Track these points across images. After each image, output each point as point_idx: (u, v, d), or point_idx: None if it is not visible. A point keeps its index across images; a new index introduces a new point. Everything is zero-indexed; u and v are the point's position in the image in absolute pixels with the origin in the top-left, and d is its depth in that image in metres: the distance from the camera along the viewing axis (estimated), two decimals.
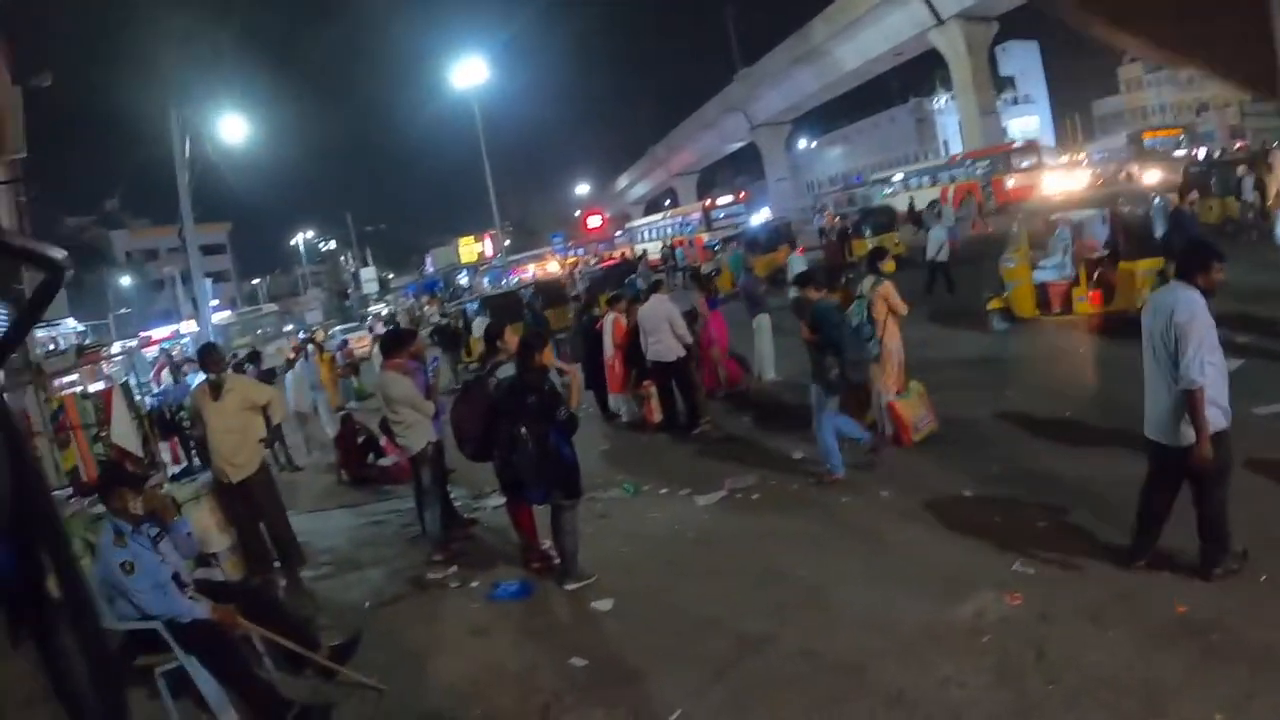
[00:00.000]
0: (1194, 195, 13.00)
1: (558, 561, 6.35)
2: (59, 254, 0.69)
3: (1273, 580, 4.65)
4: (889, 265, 8.87)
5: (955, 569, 5.37)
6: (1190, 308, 4.52)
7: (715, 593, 5.68)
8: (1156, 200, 12.01)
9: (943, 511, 6.38)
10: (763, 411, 10.41)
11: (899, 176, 44.29)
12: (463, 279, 59.43)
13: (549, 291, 26.29)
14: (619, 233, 60.45)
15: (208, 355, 7.32)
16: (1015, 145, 40.65)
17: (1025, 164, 37.49)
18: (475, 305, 24.56)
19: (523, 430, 5.90)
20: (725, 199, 46.62)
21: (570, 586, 6.09)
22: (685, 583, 5.97)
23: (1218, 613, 4.37)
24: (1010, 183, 35.68)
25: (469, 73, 42.84)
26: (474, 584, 6.52)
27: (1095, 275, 11.64)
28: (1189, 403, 4.48)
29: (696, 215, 44.70)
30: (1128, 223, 11.66)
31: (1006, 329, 12.40)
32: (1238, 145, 37.46)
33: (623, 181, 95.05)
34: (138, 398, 9.96)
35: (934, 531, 6.07)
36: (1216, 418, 4.57)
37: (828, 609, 5.16)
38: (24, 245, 0.65)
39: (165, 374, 20.11)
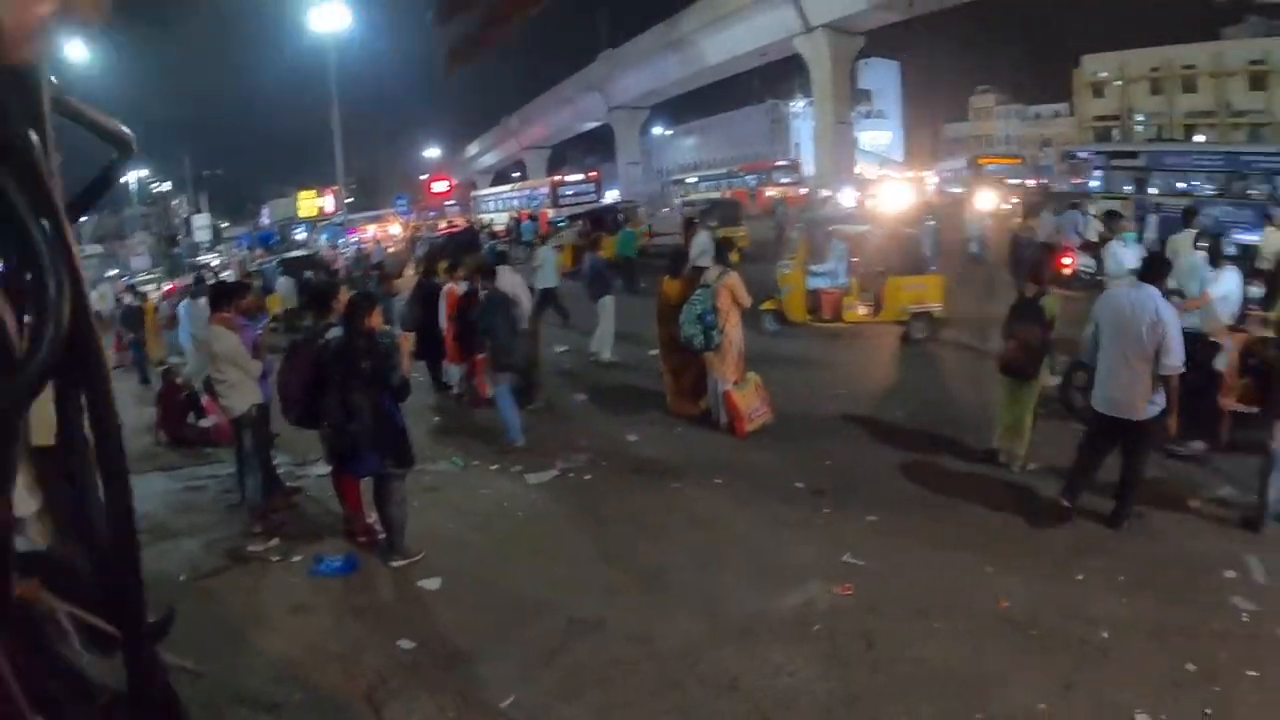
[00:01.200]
0: (1034, 220, 14.09)
1: (383, 536, 6.12)
2: (128, 133, 0.62)
3: (1087, 580, 4.99)
4: (735, 256, 9.01)
5: (787, 558, 5.50)
6: (1170, 307, 5.49)
7: (546, 573, 5.61)
8: (929, 223, 12.89)
9: (776, 501, 6.51)
10: (597, 393, 10.36)
11: (693, 179, 50.75)
12: (300, 234, 56.92)
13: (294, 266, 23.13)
14: (450, 202, 59.76)
15: None
16: (779, 163, 47.86)
17: (784, 179, 43.96)
18: (274, 265, 23.66)
19: (357, 397, 5.63)
20: (575, 177, 46.37)
21: (396, 563, 5.88)
22: (515, 562, 5.88)
23: (1037, 608, 4.64)
24: (768, 193, 39.92)
25: (329, 16, 40.81)
26: (296, 558, 6.18)
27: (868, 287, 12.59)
28: (1169, 382, 5.41)
29: (544, 190, 44.41)
30: (901, 241, 12.52)
31: (778, 330, 12.79)
32: (1074, 182, 40.37)
33: (472, 149, 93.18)
34: None
35: (767, 521, 6.18)
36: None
37: (660, 594, 5.18)
38: (97, 119, 0.61)
39: None
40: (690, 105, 75.64)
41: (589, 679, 4.29)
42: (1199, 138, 51.65)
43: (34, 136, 0.52)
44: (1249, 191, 18.09)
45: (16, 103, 0.48)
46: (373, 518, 6.28)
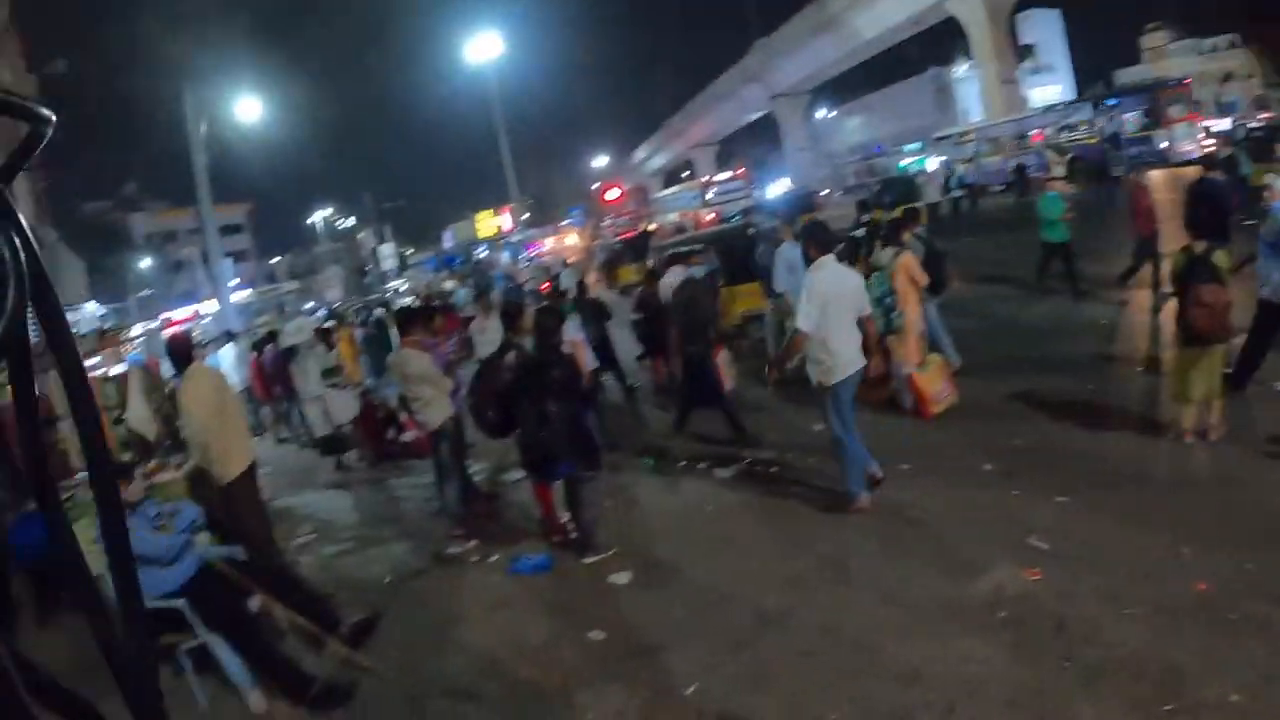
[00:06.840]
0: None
1: (576, 535, 6.40)
2: (43, 108, 0.64)
3: None
4: (907, 236, 8.76)
5: (973, 543, 5.29)
6: None
7: (733, 566, 5.68)
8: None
9: (962, 485, 6.27)
10: (782, 383, 10.20)
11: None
12: (482, 253, 59.36)
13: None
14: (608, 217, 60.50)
15: (176, 347, 6.62)
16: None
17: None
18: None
19: (551, 407, 5.93)
20: (722, 175, 45.92)
21: (589, 560, 6.12)
22: (703, 556, 5.96)
23: (1238, 593, 4.18)
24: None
25: (484, 46, 42.70)
26: (493, 558, 6.57)
27: None
28: None
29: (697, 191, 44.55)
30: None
31: None
32: (1261, 117, 36.42)
33: (640, 153, 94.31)
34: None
35: (953, 505, 5.95)
36: None
37: (845, 584, 5.13)
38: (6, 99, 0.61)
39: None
40: (854, 82, 73.58)
41: (773, 668, 4.34)
42: None
43: None
44: None
45: None
46: (566, 518, 6.58)
